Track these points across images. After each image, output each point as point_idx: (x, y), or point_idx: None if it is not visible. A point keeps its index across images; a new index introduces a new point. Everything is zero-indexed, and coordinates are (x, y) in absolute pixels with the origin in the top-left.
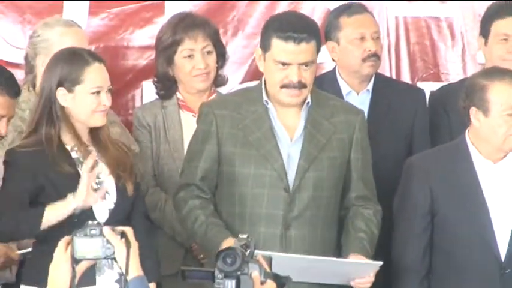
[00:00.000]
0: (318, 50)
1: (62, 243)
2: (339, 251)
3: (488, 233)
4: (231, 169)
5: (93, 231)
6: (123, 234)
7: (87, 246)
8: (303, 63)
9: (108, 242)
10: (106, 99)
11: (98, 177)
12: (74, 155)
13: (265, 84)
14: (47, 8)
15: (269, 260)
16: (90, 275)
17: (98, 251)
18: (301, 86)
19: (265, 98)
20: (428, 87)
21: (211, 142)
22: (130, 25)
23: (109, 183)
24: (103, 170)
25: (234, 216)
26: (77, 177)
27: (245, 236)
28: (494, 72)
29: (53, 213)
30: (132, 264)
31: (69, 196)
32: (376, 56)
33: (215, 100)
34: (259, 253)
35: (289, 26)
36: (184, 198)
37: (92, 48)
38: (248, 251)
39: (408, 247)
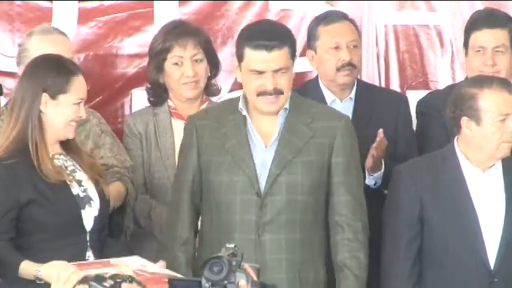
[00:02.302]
0: (292, 56)
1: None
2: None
3: (478, 242)
4: (207, 177)
5: (106, 284)
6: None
7: None
8: (277, 70)
9: None
10: (83, 112)
11: (81, 185)
12: (56, 163)
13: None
14: (36, 16)
15: (256, 270)
16: None
17: None
18: (278, 92)
19: (240, 106)
20: (418, 96)
21: (193, 154)
22: (119, 33)
23: (91, 191)
24: (83, 176)
25: (211, 223)
26: (64, 185)
27: (232, 245)
28: (481, 81)
29: (26, 272)
30: None
31: (44, 269)
32: (351, 65)
33: (200, 111)
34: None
35: (260, 34)
36: None
37: (81, 56)
38: (235, 260)
39: (397, 256)
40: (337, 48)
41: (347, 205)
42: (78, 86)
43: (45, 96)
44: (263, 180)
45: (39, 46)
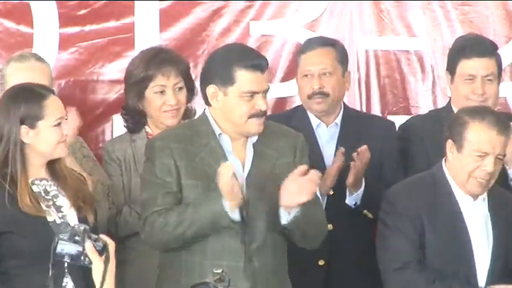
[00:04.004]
0: None
1: None
2: None
3: (471, 270)
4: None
5: (76, 238)
6: (104, 248)
7: (68, 250)
8: (266, 90)
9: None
10: (66, 128)
11: (61, 211)
12: (35, 189)
13: (213, 117)
14: (17, 42)
15: None
16: None
17: (77, 259)
18: (265, 113)
19: (219, 131)
20: (399, 120)
21: (173, 176)
22: (100, 59)
23: (71, 217)
24: (64, 203)
25: (195, 250)
26: (42, 216)
27: (219, 270)
28: (478, 111)
29: None
30: (107, 282)
31: None
32: (322, 94)
33: (165, 134)
34: None
35: (252, 54)
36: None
37: (62, 82)
38: (222, 286)
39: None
40: (309, 76)
41: None
42: (53, 108)
43: (24, 128)
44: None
45: (16, 73)
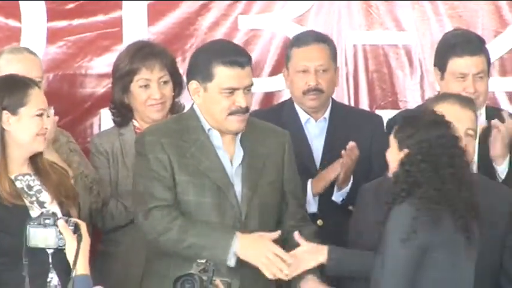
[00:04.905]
0: None
1: None
2: None
3: None
4: (185, 198)
5: (47, 221)
6: (76, 228)
7: (40, 235)
8: (248, 86)
9: (61, 233)
10: (47, 122)
11: (44, 206)
12: (18, 184)
13: (201, 112)
14: (5, 36)
15: (227, 284)
16: None
17: (51, 241)
18: (247, 110)
19: (208, 126)
20: (387, 115)
21: (168, 170)
22: (88, 53)
23: (55, 212)
24: (47, 199)
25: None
26: (23, 207)
27: (203, 260)
28: (442, 96)
29: None
30: (80, 260)
31: None
32: (317, 90)
33: (155, 128)
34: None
35: (232, 51)
36: (167, 221)
37: (50, 76)
38: (206, 276)
39: None
40: (305, 71)
41: (303, 219)
42: (37, 98)
43: (6, 114)
44: (240, 203)
45: (9, 65)
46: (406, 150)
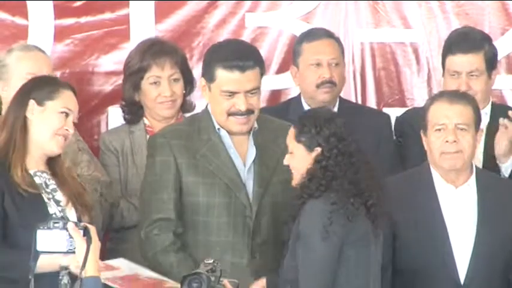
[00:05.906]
0: (261, 75)
1: None
2: None
3: (447, 256)
4: (194, 199)
5: (56, 225)
6: (86, 231)
7: (49, 239)
8: (250, 89)
9: (70, 236)
10: (71, 125)
11: (60, 205)
12: (37, 180)
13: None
14: (12, 34)
15: (236, 285)
16: None
17: (60, 245)
18: (249, 112)
19: (217, 126)
20: (394, 113)
21: (172, 172)
22: (95, 51)
23: (71, 214)
24: (62, 198)
25: (198, 244)
26: (42, 202)
27: (211, 260)
28: (438, 94)
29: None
30: (90, 262)
31: None
32: (331, 83)
33: (167, 130)
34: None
35: (233, 54)
36: (161, 237)
37: (58, 74)
38: (214, 276)
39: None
40: (318, 65)
41: None
42: (66, 97)
43: (32, 103)
44: (251, 202)
45: (20, 62)
46: (318, 149)
